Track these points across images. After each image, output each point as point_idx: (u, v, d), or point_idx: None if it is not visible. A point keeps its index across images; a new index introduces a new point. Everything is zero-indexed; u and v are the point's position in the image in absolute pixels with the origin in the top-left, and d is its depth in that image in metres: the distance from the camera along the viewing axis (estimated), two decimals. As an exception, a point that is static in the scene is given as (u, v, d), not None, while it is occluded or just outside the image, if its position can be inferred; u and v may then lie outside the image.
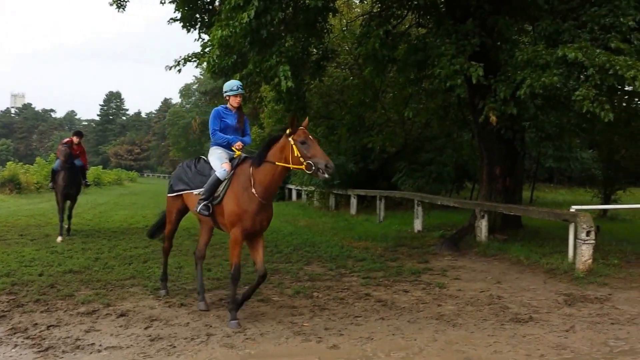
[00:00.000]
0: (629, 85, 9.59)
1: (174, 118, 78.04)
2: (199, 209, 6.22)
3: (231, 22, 9.50)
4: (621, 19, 9.19)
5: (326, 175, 5.77)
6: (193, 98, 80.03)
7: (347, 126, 18.98)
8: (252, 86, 13.10)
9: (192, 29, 13.01)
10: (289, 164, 5.87)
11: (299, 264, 9.65)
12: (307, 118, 6.42)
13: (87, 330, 5.82)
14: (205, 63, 10.98)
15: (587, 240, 8.80)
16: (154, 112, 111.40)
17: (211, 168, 6.42)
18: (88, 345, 5.36)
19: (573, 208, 10.09)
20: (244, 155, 6.49)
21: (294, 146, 5.79)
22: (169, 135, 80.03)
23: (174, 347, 5.35)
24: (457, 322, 6.28)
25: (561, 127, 14.67)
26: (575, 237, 9.08)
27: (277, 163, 5.93)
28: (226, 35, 9.55)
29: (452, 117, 17.16)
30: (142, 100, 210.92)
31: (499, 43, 10.98)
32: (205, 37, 12.62)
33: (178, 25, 13.12)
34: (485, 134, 12.42)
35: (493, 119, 10.19)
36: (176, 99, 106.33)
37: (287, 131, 5.91)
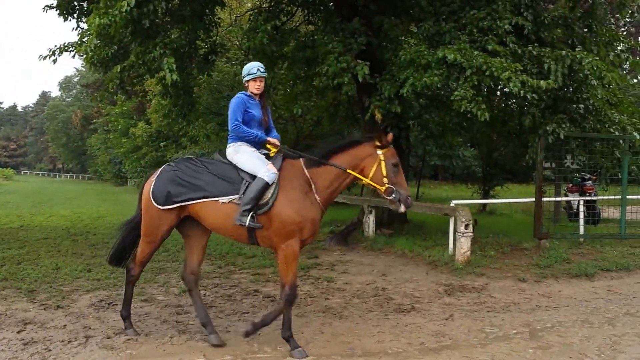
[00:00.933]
0: (504, 87, 10.13)
1: (54, 112, 73.62)
2: (246, 221, 4.94)
3: (110, 10, 8.96)
4: (498, 23, 9.66)
5: (401, 209, 5.21)
6: (74, 91, 75.98)
7: (239, 123, 18.71)
8: (136, 79, 12.56)
9: (69, 17, 12.19)
10: (367, 178, 5.10)
11: (186, 263, 9.38)
12: (391, 134, 5.33)
13: (-49, 337, 5.35)
14: (83, 54, 10.36)
15: (465, 233, 9.27)
16: (31, 105, 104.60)
17: (237, 169, 5.30)
18: (-49, 353, 4.93)
19: (453, 203, 10.59)
20: (279, 153, 5.40)
21: (383, 163, 5.06)
22: (48, 131, 75.45)
23: (49, 350, 5.07)
24: (344, 314, 6.40)
25: (444, 126, 15.23)
26: (455, 230, 9.53)
27: (348, 170, 5.15)
28: (104, 23, 8.93)
29: (342, 115, 17.37)
30: (18, 93, 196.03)
31: (384, 43, 11.25)
32: (85, 26, 11.89)
33: (55, 13, 12.27)
34: (372, 132, 12.65)
35: (379, 116, 10.42)
36: (55, 92, 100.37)
37: (378, 143, 5.12)
